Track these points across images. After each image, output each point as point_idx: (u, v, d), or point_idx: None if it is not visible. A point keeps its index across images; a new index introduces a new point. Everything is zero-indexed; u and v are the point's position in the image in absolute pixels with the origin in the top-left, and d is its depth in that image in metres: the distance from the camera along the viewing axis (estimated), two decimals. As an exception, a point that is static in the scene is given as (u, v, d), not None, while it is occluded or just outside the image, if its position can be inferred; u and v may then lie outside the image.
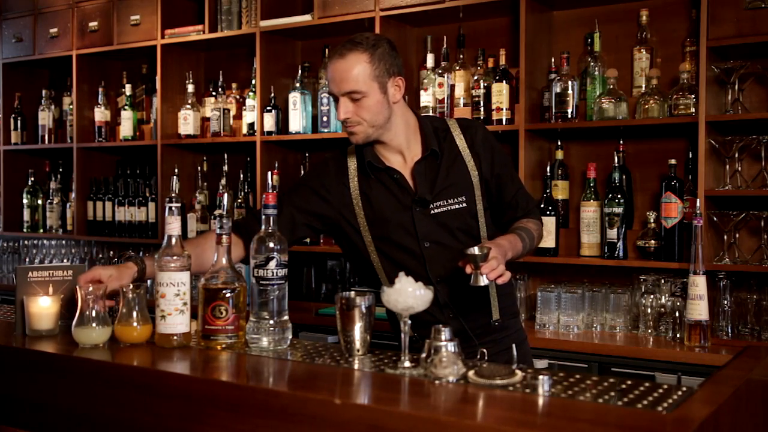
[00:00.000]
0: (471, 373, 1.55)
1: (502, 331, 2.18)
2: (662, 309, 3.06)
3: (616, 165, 3.25)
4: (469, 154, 2.16)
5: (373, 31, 3.65)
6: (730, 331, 2.98)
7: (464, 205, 2.13)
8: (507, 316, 2.22)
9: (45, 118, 4.94)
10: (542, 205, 3.32)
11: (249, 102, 4.04)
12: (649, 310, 3.08)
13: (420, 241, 2.13)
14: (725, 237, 3.06)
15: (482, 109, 3.45)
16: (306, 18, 3.87)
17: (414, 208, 2.13)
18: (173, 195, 1.80)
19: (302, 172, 4.04)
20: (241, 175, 4.20)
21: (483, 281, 1.84)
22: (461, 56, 3.62)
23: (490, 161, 2.17)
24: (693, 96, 3.04)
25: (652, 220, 3.16)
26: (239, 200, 4.14)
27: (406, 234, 2.13)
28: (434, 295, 2.05)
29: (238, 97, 4.28)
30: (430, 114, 3.56)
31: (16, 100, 5.07)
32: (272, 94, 3.98)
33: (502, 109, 3.37)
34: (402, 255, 2.15)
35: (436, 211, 2.12)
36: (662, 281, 3.07)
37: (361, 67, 2.04)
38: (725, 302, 2.99)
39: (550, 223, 3.25)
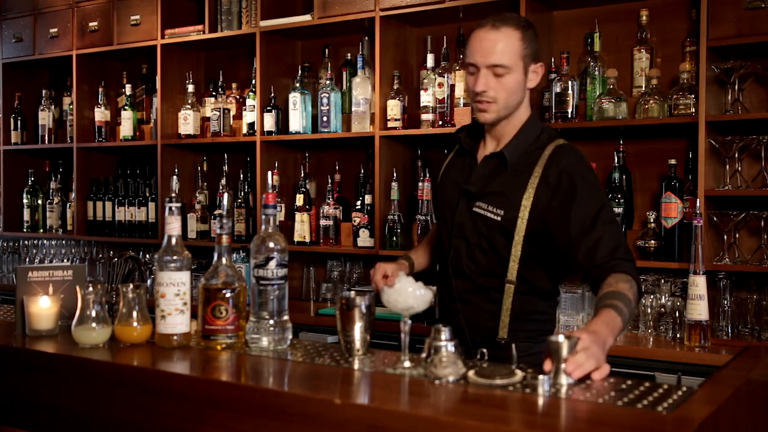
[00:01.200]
0: (471, 373, 1.55)
1: (509, 350, 1.91)
2: (662, 309, 3.06)
3: (616, 165, 3.25)
4: (539, 176, 2.03)
5: (373, 32, 3.67)
6: (730, 331, 2.98)
7: (499, 219, 2.05)
8: (522, 339, 2.02)
9: (45, 118, 4.94)
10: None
11: (249, 102, 4.04)
12: (649, 310, 3.08)
13: (453, 229, 2.16)
14: (725, 237, 3.06)
15: (482, 109, 3.44)
16: (306, 18, 3.87)
17: (462, 197, 2.15)
18: (173, 195, 1.80)
19: (302, 172, 4.04)
20: (241, 175, 4.20)
21: (565, 381, 1.49)
22: (461, 56, 3.61)
23: (557, 192, 2.00)
24: (693, 96, 3.04)
25: (652, 220, 3.16)
26: (239, 200, 4.14)
27: (448, 219, 2.19)
28: (450, 285, 2.14)
29: (238, 97, 4.28)
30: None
31: (16, 100, 5.07)
32: (272, 94, 3.98)
33: (502, 109, 3.37)
34: (441, 236, 2.24)
35: (476, 210, 2.10)
36: (662, 281, 3.08)
37: (512, 42, 2.03)
38: (725, 302, 2.99)
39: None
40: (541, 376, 1.46)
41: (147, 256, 4.31)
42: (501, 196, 2.07)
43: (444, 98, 3.54)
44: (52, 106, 4.97)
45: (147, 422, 1.64)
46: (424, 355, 1.64)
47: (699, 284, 2.82)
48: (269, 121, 3.96)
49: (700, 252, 2.84)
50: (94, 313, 1.88)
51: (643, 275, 3.13)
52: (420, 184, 3.64)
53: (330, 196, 3.87)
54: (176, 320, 1.86)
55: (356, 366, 1.69)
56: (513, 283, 2.06)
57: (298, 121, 3.88)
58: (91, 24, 4.59)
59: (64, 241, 4.83)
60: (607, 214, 2.01)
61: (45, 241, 4.88)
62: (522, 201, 2.03)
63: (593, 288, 1.95)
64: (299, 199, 3.93)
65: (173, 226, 1.89)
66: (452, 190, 2.21)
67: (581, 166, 2.06)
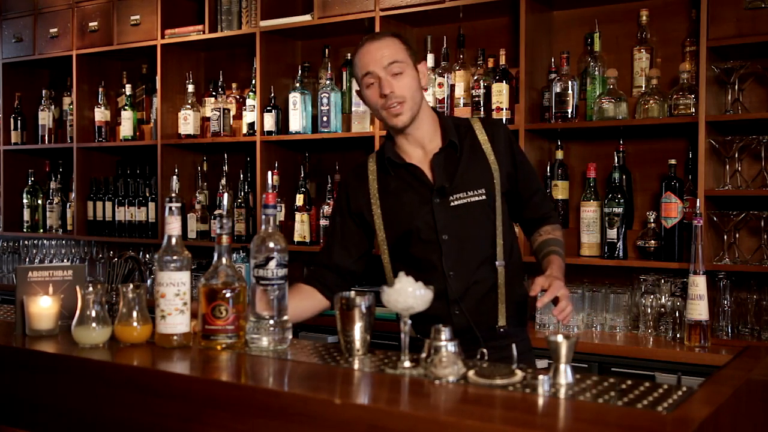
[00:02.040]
0: (471, 373, 1.55)
1: (507, 338, 2.13)
2: (662, 309, 3.06)
3: (616, 165, 3.25)
4: (490, 148, 2.19)
5: (372, 31, 3.66)
6: (730, 331, 2.98)
7: (483, 197, 2.14)
8: (514, 324, 2.21)
9: (45, 118, 4.95)
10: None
11: (249, 102, 4.04)
12: (649, 310, 3.08)
13: (439, 233, 2.14)
14: (725, 237, 3.06)
15: (482, 109, 3.44)
16: (306, 18, 3.87)
17: (434, 200, 2.15)
18: (173, 195, 1.80)
19: (302, 172, 4.04)
20: (241, 175, 4.20)
21: (564, 381, 1.50)
22: (461, 56, 3.62)
23: (510, 157, 2.21)
24: (693, 96, 3.04)
25: (652, 220, 3.16)
26: (239, 200, 4.14)
27: (425, 227, 2.16)
28: (444, 289, 2.11)
29: (238, 97, 4.28)
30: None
31: (16, 100, 5.07)
32: (272, 94, 3.98)
33: (502, 109, 3.37)
34: (420, 248, 2.18)
35: (455, 203, 2.14)
36: (662, 281, 3.07)
37: (396, 45, 2.16)
38: (725, 302, 2.99)
39: (550, 223, 3.26)
40: (541, 376, 1.46)
41: (147, 256, 4.31)
42: (474, 178, 2.15)
43: (444, 98, 3.54)
44: (52, 106, 4.97)
45: (147, 422, 1.64)
46: (424, 355, 1.63)
47: (699, 284, 2.82)
48: (269, 121, 3.96)
49: (700, 252, 2.84)
50: (94, 313, 1.88)
51: (643, 275, 3.14)
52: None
53: (330, 196, 3.87)
54: (176, 320, 1.86)
55: (356, 366, 1.69)
56: (503, 265, 2.16)
57: (298, 121, 3.88)
58: (91, 24, 4.59)
59: (64, 241, 4.83)
60: (533, 169, 2.34)
61: (45, 241, 4.88)
62: (492, 173, 2.17)
63: (531, 233, 2.31)
64: (299, 199, 3.93)
65: (173, 226, 1.89)
66: (413, 203, 2.17)
67: (510, 132, 2.28)
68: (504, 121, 3.37)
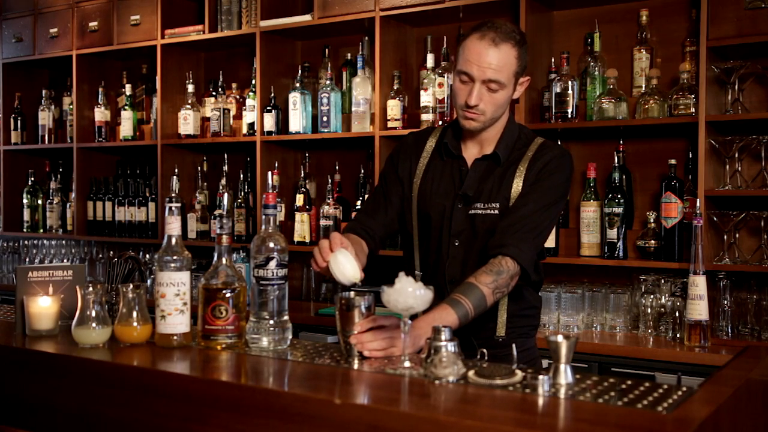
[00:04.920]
0: (471, 373, 1.55)
1: (507, 348, 2.03)
2: (662, 309, 3.06)
3: (616, 165, 3.25)
4: (525, 169, 2.10)
5: (373, 32, 3.67)
6: (730, 331, 2.98)
7: (496, 212, 2.10)
8: (515, 335, 2.15)
9: (45, 118, 4.95)
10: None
11: (249, 102, 4.04)
12: (649, 310, 3.08)
13: (451, 237, 2.13)
14: (725, 237, 3.06)
15: (482, 109, 3.44)
16: (306, 18, 3.87)
17: (456, 204, 2.14)
18: (173, 195, 1.81)
19: (302, 172, 4.04)
20: (241, 175, 4.20)
21: (564, 381, 1.50)
22: (461, 56, 3.61)
23: (534, 178, 2.09)
24: (693, 96, 3.04)
25: (652, 220, 3.16)
26: (239, 200, 4.14)
27: (440, 225, 2.15)
28: (442, 293, 2.06)
29: (238, 97, 4.28)
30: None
31: (16, 100, 5.07)
32: (272, 94, 3.98)
33: (502, 109, 3.37)
34: (431, 245, 2.17)
35: (473, 212, 2.12)
36: (662, 281, 3.08)
37: (510, 60, 2.03)
38: (725, 302, 2.99)
39: (550, 223, 3.25)
40: (541, 376, 1.46)
41: (147, 256, 4.31)
42: (494, 192, 2.11)
43: (444, 98, 3.54)
44: (52, 106, 4.97)
45: (147, 422, 1.64)
46: (424, 355, 1.63)
47: (699, 284, 2.83)
48: (269, 121, 3.96)
49: (700, 252, 2.84)
50: (94, 313, 1.88)
51: (643, 275, 3.14)
52: (420, 184, 3.64)
53: (330, 196, 3.87)
54: (176, 320, 1.86)
55: (356, 366, 1.69)
56: None
57: (298, 121, 3.89)
58: (91, 24, 4.59)
59: (64, 241, 4.83)
60: (545, 205, 2.07)
61: (45, 241, 4.88)
62: (511, 192, 2.09)
63: (487, 250, 2.05)
64: (299, 199, 3.93)
65: (173, 226, 1.89)
66: (442, 197, 2.16)
67: (560, 162, 2.12)
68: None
